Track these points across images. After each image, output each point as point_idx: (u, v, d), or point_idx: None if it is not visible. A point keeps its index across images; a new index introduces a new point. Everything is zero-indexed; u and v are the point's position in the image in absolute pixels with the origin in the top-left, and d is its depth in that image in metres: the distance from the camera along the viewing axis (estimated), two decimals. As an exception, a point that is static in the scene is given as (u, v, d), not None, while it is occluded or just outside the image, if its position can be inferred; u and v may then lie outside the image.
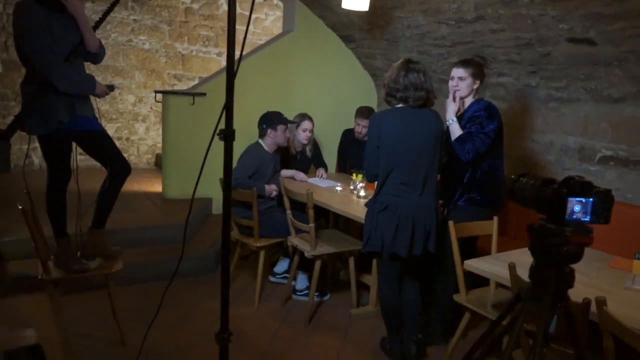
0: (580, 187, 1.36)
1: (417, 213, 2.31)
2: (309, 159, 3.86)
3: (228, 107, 1.44)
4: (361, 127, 3.85)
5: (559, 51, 3.09)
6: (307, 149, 3.82)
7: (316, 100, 4.59)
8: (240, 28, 5.46)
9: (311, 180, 3.67)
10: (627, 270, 2.12)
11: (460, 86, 2.55)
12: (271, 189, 3.24)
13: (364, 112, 3.86)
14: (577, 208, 1.35)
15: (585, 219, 1.38)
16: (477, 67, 2.54)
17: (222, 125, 1.46)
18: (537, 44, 3.07)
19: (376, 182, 2.37)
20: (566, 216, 1.36)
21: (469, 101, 2.61)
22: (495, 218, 2.55)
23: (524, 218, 3.35)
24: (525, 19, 2.97)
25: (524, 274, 1.70)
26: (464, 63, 2.56)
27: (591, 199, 1.34)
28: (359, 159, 3.75)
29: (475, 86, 2.57)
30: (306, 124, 3.69)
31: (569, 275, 1.44)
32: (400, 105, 2.33)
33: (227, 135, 1.44)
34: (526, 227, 1.34)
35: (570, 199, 1.34)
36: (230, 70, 1.45)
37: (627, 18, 2.51)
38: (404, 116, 2.30)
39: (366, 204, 2.46)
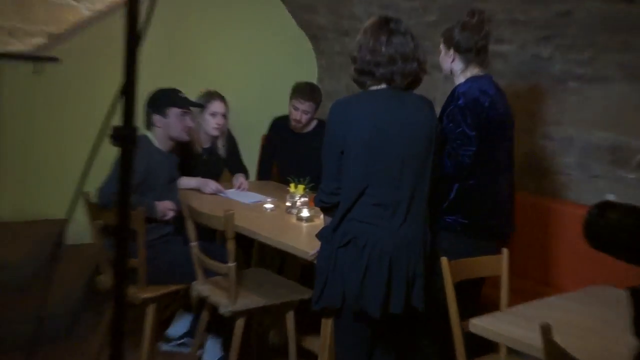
0: None
1: (397, 250, 2.34)
2: (221, 161, 3.91)
3: (127, 93, 1.29)
4: (300, 113, 3.92)
5: (584, 9, 3.11)
6: (219, 145, 3.86)
7: (232, 72, 4.64)
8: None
9: (228, 193, 3.69)
10: None
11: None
12: (165, 207, 3.22)
13: (304, 90, 3.92)
14: None
15: None
16: (448, 31, 2.70)
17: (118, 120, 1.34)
18: (551, -3, 3.20)
19: (332, 206, 2.39)
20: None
21: (460, 78, 2.73)
22: (506, 252, 2.56)
23: (532, 252, 3.43)
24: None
25: (562, 340, 1.71)
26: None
27: None
28: (297, 161, 3.90)
29: (453, 58, 2.70)
30: (216, 106, 3.74)
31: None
32: (378, 87, 2.36)
33: (126, 137, 1.31)
34: (627, 290, 1.20)
35: None
36: (132, 29, 1.29)
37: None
38: (384, 105, 2.34)
39: (319, 235, 2.45)
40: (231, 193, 3.67)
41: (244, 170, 3.98)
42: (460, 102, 2.60)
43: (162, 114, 3.24)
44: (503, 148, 2.71)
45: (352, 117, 2.31)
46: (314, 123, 4.01)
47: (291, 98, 3.92)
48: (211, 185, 3.64)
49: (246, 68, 4.70)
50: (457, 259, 2.43)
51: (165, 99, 3.28)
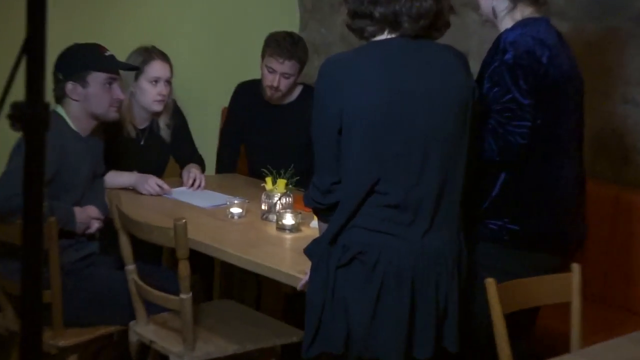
0: None
1: (421, 269, 2.36)
2: (166, 147, 3.95)
3: (32, 52, 1.27)
4: (278, 77, 3.97)
5: None
6: (162, 124, 3.93)
7: (177, 21, 4.67)
8: None
9: (176, 193, 3.74)
10: None
11: None
12: (88, 216, 3.25)
13: (282, 44, 3.97)
14: None
15: None
16: None
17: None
18: None
19: (328, 207, 2.39)
20: None
21: (506, 24, 2.74)
22: (577, 269, 2.55)
23: (610, 266, 3.47)
24: None
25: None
26: None
27: None
28: (275, 145, 3.98)
29: None
30: (157, 69, 3.79)
31: None
32: (382, 36, 2.39)
33: (32, 118, 1.29)
34: None
35: None
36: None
37: None
38: (397, 62, 2.36)
39: (310, 250, 2.46)
40: (181, 193, 3.72)
41: (198, 161, 4.01)
42: (508, 56, 2.60)
43: (80, 81, 3.25)
44: (569, 121, 2.73)
45: (352, 81, 2.31)
46: (297, 90, 4.07)
47: (264, 56, 3.95)
48: (152, 182, 3.67)
49: (198, 15, 4.74)
50: (507, 279, 2.43)
51: (84, 60, 3.29)
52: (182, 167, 3.95)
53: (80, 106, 3.27)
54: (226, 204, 3.48)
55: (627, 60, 3.57)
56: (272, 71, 3.91)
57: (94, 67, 3.27)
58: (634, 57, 3.54)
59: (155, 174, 3.74)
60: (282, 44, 3.90)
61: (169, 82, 3.78)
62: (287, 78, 3.93)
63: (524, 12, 2.70)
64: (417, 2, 2.31)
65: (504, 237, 2.65)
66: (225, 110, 4.42)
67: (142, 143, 3.81)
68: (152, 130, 3.85)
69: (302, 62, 3.96)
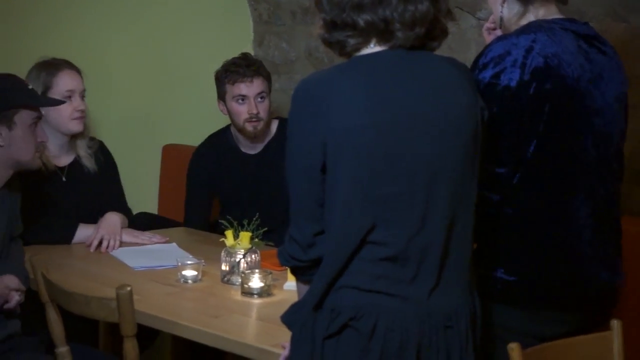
0: None
1: (428, 335, 2.35)
2: (93, 178, 4.10)
3: None
4: (252, 103, 4.14)
5: None
6: (82, 151, 4.08)
7: (111, 42, 4.84)
8: None
9: (116, 253, 3.85)
10: None
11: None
12: (6, 286, 3.27)
13: (239, 65, 4.17)
14: None
15: None
16: None
17: None
18: None
19: (310, 264, 2.40)
20: None
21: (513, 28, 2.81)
22: (617, 326, 2.58)
23: None
24: None
25: None
26: None
27: None
28: (257, 198, 4.21)
29: None
30: (66, 81, 3.94)
31: None
32: (368, 50, 2.39)
33: None
34: None
35: None
36: None
37: None
38: (391, 79, 2.35)
39: (288, 318, 2.44)
40: (120, 253, 3.80)
41: (120, 207, 4.15)
42: (484, 74, 2.66)
43: (4, 121, 3.28)
44: (582, 147, 2.74)
45: (337, 105, 2.27)
46: (274, 125, 4.29)
47: (225, 92, 4.14)
48: (111, 231, 3.85)
49: (134, 37, 4.86)
50: (530, 343, 2.46)
51: (7, 95, 3.32)
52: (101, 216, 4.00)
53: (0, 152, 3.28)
54: (181, 262, 3.49)
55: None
56: (244, 99, 4.06)
57: (21, 104, 3.30)
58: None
59: (88, 215, 3.88)
60: (240, 65, 4.07)
61: (83, 95, 3.92)
62: (263, 99, 4.08)
63: (538, 13, 2.75)
64: (411, 5, 2.31)
65: (497, 290, 2.68)
66: (167, 148, 4.46)
67: (64, 179, 3.91)
68: (73, 164, 3.99)
69: (269, 79, 4.17)
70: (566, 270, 2.71)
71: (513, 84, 2.66)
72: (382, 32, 2.32)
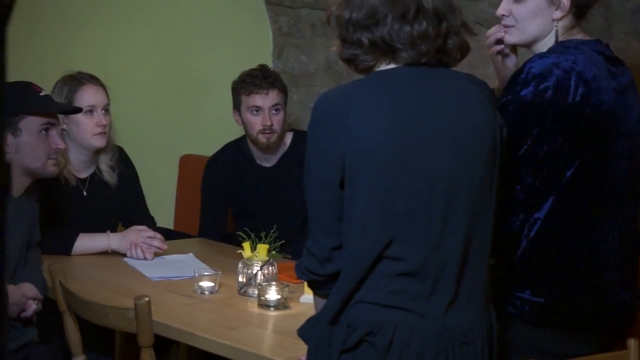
0: None
1: (445, 351, 2.35)
2: (113, 193, 4.08)
3: None
4: (267, 115, 4.13)
5: None
6: (104, 165, 4.05)
7: (128, 52, 4.84)
8: None
9: (133, 263, 3.83)
10: None
11: (512, 19, 2.81)
12: (23, 294, 3.25)
13: (256, 76, 4.18)
14: None
15: None
16: None
17: None
18: None
19: (327, 278, 2.40)
20: None
21: (545, 46, 2.80)
22: (634, 345, 2.59)
23: None
24: None
25: None
26: None
27: None
28: (271, 210, 4.19)
29: (558, 14, 2.76)
30: (90, 96, 3.91)
31: None
32: (385, 65, 2.39)
33: None
34: None
35: None
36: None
37: None
38: (411, 95, 2.37)
39: (305, 332, 2.45)
40: (135, 263, 3.78)
41: (144, 217, 4.12)
42: (525, 91, 2.66)
43: (10, 128, 3.26)
44: (614, 171, 2.75)
45: (357, 120, 2.30)
46: (288, 137, 4.29)
47: (240, 102, 4.14)
48: (142, 236, 3.82)
49: (150, 48, 4.88)
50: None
51: (14, 102, 3.29)
52: (124, 225, 4.04)
53: (11, 161, 3.26)
54: (197, 274, 3.49)
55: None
56: (258, 110, 4.07)
57: (27, 110, 3.29)
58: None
59: (108, 227, 3.86)
60: (256, 76, 4.08)
61: (106, 109, 3.89)
62: (277, 112, 4.09)
63: (576, 33, 2.77)
64: (407, 26, 2.32)
65: (524, 312, 2.68)
66: (185, 158, 4.46)
67: (84, 194, 3.88)
68: (93, 176, 3.95)
69: (284, 91, 4.15)
70: (594, 295, 2.74)
71: (555, 105, 2.67)
72: (386, 51, 2.34)
